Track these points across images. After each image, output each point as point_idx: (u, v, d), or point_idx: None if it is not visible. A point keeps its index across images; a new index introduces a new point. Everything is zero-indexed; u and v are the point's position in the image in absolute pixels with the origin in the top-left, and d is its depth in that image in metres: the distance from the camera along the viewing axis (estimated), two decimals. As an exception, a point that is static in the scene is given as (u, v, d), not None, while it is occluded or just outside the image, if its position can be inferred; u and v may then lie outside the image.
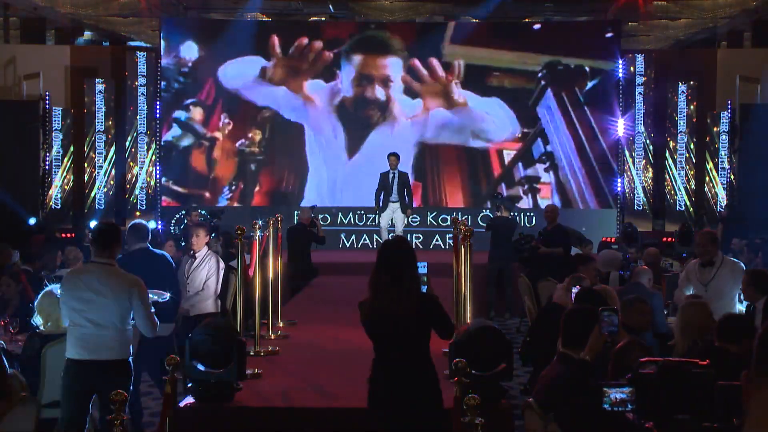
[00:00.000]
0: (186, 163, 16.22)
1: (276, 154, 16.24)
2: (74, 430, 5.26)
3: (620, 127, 15.80)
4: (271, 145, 16.24)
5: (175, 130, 16.17)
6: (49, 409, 5.91)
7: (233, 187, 16.23)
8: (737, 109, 16.11)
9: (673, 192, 16.39)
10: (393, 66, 16.14)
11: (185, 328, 7.33)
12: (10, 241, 10.53)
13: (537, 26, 17.05)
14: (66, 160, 16.35)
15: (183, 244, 11.86)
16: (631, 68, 16.31)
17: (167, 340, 7.32)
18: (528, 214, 15.64)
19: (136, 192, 16.48)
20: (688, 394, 2.13)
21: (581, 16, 17.65)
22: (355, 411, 5.23)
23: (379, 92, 16.11)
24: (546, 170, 16.09)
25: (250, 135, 16.24)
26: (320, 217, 14.43)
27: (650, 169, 16.33)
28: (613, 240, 14.18)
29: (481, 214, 15.26)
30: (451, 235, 12.12)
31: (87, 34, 19.43)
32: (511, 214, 12.77)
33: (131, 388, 5.45)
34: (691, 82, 16.41)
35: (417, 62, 16.02)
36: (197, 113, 16.26)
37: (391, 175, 13.29)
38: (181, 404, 5.55)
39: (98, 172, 16.46)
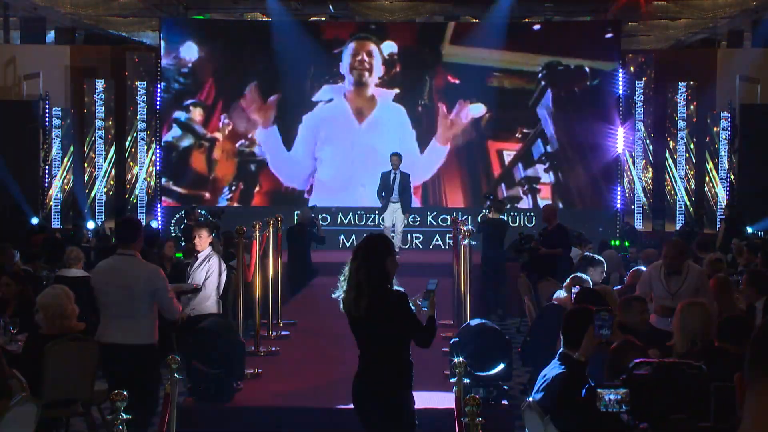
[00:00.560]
0: (186, 163, 16.22)
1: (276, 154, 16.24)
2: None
3: (620, 135, 15.78)
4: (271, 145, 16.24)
5: (175, 131, 16.17)
6: (49, 409, 5.91)
7: (233, 188, 16.23)
8: (737, 109, 16.11)
9: (673, 192, 16.39)
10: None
11: (186, 328, 7.32)
12: (10, 240, 10.53)
13: (537, 26, 17.05)
14: (66, 160, 16.34)
15: (183, 244, 11.87)
16: (631, 68, 16.32)
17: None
18: (528, 214, 15.64)
19: (136, 192, 16.47)
20: (683, 395, 2.13)
21: (581, 16, 17.65)
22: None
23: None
24: (546, 170, 16.09)
25: (250, 135, 16.24)
26: (320, 217, 14.44)
27: (650, 169, 16.33)
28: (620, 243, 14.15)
29: (481, 215, 15.26)
30: (451, 235, 12.12)
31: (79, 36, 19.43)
32: (502, 215, 12.78)
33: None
34: (691, 82, 16.41)
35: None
36: (197, 113, 16.26)
37: (392, 176, 13.28)
38: (181, 404, 5.55)
39: (98, 172, 16.46)
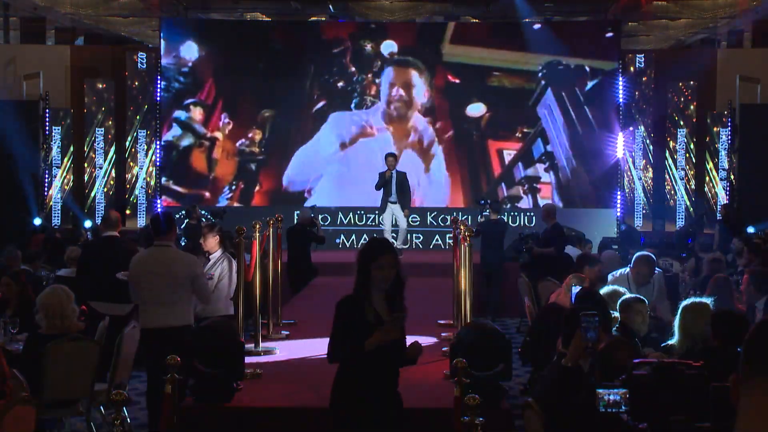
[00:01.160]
0: (186, 163, 16.22)
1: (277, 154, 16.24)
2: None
3: (620, 142, 15.77)
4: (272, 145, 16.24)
5: (175, 130, 16.17)
6: (49, 409, 5.92)
7: (233, 187, 16.23)
8: (737, 109, 16.11)
9: (673, 192, 16.39)
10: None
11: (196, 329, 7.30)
12: (10, 240, 10.54)
13: (537, 26, 17.05)
14: (66, 160, 16.35)
15: (183, 243, 11.86)
16: (631, 68, 16.32)
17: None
18: (528, 214, 15.63)
19: (136, 192, 16.47)
20: (682, 396, 2.13)
21: (581, 16, 17.65)
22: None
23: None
24: (546, 170, 16.09)
25: (250, 135, 16.24)
26: (320, 217, 14.43)
27: (650, 169, 16.33)
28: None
29: (480, 217, 15.27)
30: (451, 235, 12.12)
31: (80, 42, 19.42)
32: (501, 216, 12.77)
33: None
34: (691, 82, 16.41)
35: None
36: (197, 113, 16.26)
37: (389, 176, 13.26)
38: (181, 404, 5.55)
39: (98, 172, 16.46)
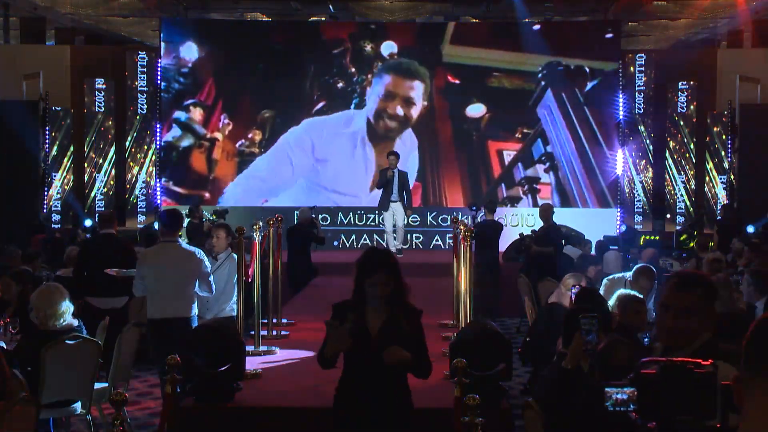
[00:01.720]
0: (186, 163, 16.22)
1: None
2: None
3: (620, 158, 15.78)
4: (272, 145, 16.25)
5: (175, 131, 16.17)
6: (49, 409, 5.91)
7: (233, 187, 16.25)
8: (737, 109, 16.10)
9: (673, 192, 16.39)
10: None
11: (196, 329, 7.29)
12: (10, 240, 10.53)
13: (537, 26, 17.06)
14: (66, 160, 16.34)
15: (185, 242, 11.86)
16: (631, 68, 16.32)
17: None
18: (528, 214, 15.63)
19: (136, 192, 16.47)
20: (691, 395, 2.12)
21: (581, 16, 17.64)
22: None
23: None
24: (546, 171, 16.10)
25: (250, 135, 16.24)
26: (320, 217, 14.44)
27: (650, 169, 16.33)
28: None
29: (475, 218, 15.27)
30: (451, 235, 12.12)
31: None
32: (498, 217, 12.76)
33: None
34: (691, 82, 16.41)
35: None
36: (197, 113, 16.26)
37: (391, 175, 13.23)
38: (181, 404, 5.55)
39: (98, 172, 16.46)
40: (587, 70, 16.00)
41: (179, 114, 16.17)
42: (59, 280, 8.38)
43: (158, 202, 16.05)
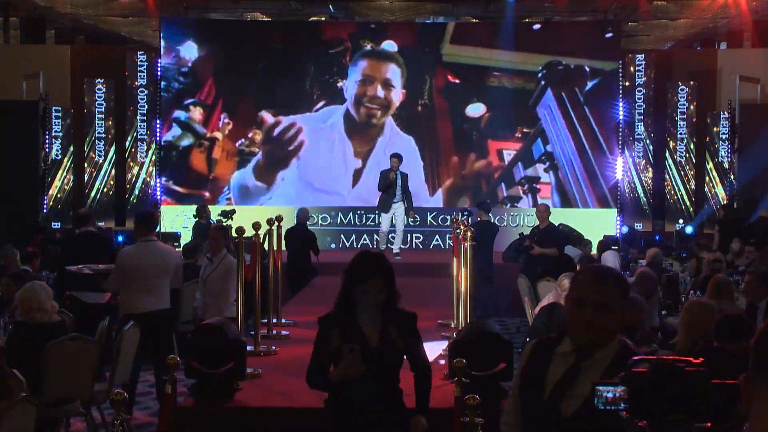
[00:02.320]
0: (186, 163, 16.22)
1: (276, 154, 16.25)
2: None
3: (619, 163, 15.78)
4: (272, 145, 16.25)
5: (175, 130, 16.17)
6: (49, 409, 5.91)
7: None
8: (737, 109, 16.10)
9: (673, 192, 16.39)
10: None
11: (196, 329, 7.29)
12: (10, 240, 10.53)
13: (537, 26, 17.06)
14: (66, 160, 16.34)
15: (190, 241, 11.87)
16: (631, 68, 16.32)
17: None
18: (528, 214, 15.63)
19: (136, 192, 16.47)
20: (682, 394, 2.11)
21: (581, 16, 17.64)
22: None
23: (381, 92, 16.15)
24: (546, 170, 16.09)
25: (250, 135, 16.24)
26: (320, 216, 14.47)
27: (650, 169, 16.32)
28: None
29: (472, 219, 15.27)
30: (451, 235, 12.12)
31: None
32: (498, 217, 12.76)
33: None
34: (691, 82, 16.41)
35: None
36: (197, 113, 16.26)
37: (393, 176, 13.19)
38: (181, 404, 5.55)
39: (98, 172, 16.46)
40: (587, 69, 16.00)
41: (179, 113, 16.17)
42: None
43: (159, 201, 16.05)
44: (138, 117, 16.46)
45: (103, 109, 16.44)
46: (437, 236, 15.59)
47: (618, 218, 15.78)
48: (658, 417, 2.13)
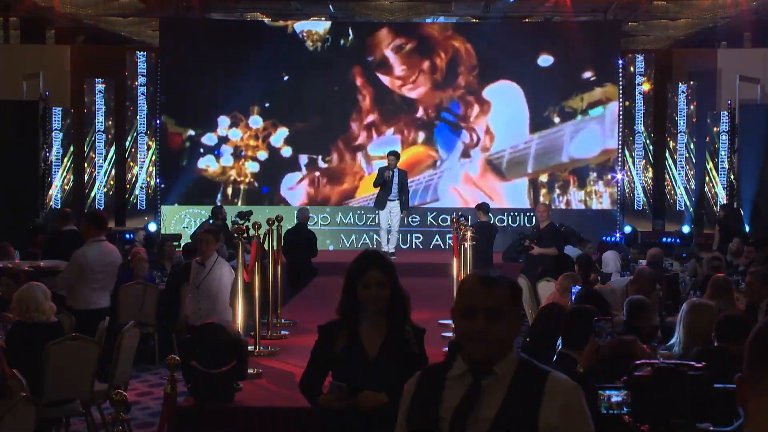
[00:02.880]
0: (186, 162, 16.21)
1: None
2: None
3: (620, 149, 15.79)
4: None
5: (176, 130, 16.16)
6: (49, 409, 5.91)
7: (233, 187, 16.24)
8: (737, 109, 16.10)
9: (673, 192, 16.39)
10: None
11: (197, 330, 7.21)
12: (10, 240, 10.53)
13: (537, 26, 17.05)
14: (66, 160, 16.33)
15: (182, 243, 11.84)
16: (631, 68, 16.31)
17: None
18: (528, 214, 15.63)
19: (136, 192, 16.47)
20: (684, 397, 2.12)
21: (581, 16, 17.63)
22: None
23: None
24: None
25: (247, 135, 16.23)
26: (320, 216, 14.46)
27: (650, 169, 16.32)
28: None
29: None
30: (451, 235, 12.12)
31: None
32: (498, 216, 12.76)
33: None
34: (691, 82, 16.41)
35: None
36: (197, 113, 16.26)
37: (390, 174, 13.18)
38: (181, 404, 5.55)
39: (98, 172, 16.46)
40: (587, 69, 16.00)
41: (179, 113, 16.17)
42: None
43: (158, 201, 16.05)
44: (138, 117, 16.46)
45: (103, 109, 16.43)
46: (437, 236, 15.59)
47: (618, 217, 15.77)
48: (660, 420, 2.13)
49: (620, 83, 16.00)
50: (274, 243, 8.79)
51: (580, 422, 2.32)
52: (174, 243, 12.84)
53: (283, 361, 7.11)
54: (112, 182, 16.50)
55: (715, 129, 16.32)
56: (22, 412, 4.55)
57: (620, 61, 16.02)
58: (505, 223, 15.35)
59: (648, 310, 5.74)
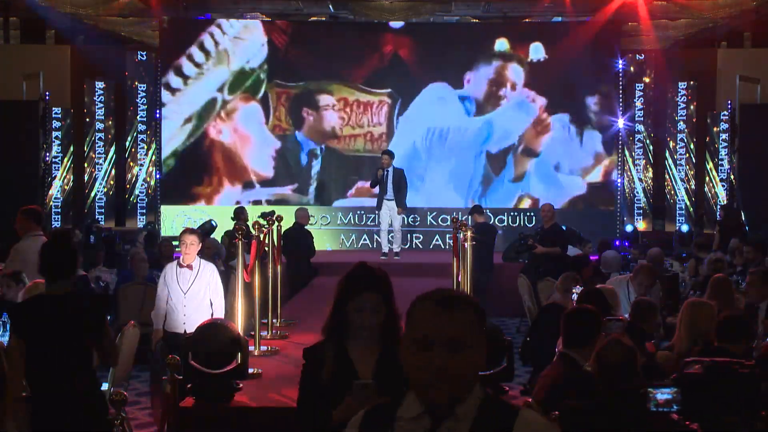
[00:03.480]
0: (186, 162, 16.21)
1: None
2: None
3: (620, 126, 15.79)
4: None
5: (176, 129, 16.16)
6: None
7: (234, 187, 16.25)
8: (737, 109, 16.10)
9: (673, 192, 16.38)
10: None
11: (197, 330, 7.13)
12: (10, 240, 10.52)
13: (536, 26, 17.04)
14: (66, 160, 16.34)
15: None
16: (631, 68, 16.31)
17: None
18: (528, 214, 15.63)
19: (136, 192, 16.47)
20: (734, 395, 2.09)
21: (581, 16, 17.61)
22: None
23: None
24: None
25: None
26: (320, 216, 14.47)
27: (650, 169, 16.32)
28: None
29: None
30: (451, 235, 12.12)
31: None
32: (497, 216, 12.76)
33: None
34: (691, 82, 16.41)
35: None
36: (197, 112, 16.26)
37: (384, 174, 13.17)
38: (181, 404, 5.55)
39: (98, 172, 16.46)
40: (587, 69, 16.00)
41: (179, 112, 16.17)
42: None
43: (158, 202, 16.04)
44: (138, 117, 16.46)
45: (103, 110, 16.43)
46: (437, 236, 15.59)
47: (618, 217, 15.77)
48: (710, 418, 2.11)
49: (620, 83, 15.99)
50: (275, 243, 8.79)
51: None
52: (174, 243, 12.82)
53: (283, 361, 7.11)
54: (112, 182, 16.51)
55: (715, 129, 16.32)
56: (21, 412, 4.55)
57: (620, 61, 16.01)
58: (505, 223, 15.35)
59: (653, 312, 5.76)
